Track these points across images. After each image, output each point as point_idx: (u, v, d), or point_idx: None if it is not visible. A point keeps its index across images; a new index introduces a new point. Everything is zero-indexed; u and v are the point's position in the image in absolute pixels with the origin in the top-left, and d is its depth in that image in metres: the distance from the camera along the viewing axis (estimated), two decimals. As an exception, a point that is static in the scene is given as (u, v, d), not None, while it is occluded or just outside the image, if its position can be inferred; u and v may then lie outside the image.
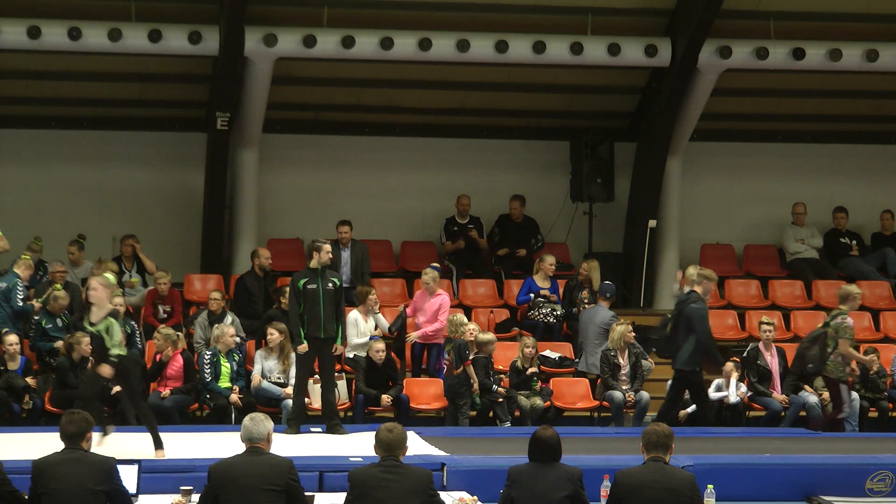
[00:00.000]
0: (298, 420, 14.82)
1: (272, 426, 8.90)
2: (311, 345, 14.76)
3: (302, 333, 14.74)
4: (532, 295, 18.40)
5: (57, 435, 8.96)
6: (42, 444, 9.49)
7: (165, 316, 17.65)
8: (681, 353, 15.61)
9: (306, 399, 15.34)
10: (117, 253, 18.80)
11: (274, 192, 19.86)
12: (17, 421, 15.62)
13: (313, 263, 14.87)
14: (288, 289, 15.45)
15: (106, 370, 12.80)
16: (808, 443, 15.04)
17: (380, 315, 17.41)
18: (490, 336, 16.71)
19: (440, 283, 17.58)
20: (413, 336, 17.09)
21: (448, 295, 17.56)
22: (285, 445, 12.17)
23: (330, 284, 14.82)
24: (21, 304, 16.63)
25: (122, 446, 13.27)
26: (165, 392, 16.06)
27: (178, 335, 16.58)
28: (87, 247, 18.49)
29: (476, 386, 16.26)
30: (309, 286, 14.75)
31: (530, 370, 16.78)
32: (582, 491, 8.91)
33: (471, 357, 16.31)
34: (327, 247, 14.91)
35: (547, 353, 17.67)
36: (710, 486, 10.84)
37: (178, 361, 16.27)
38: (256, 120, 19.09)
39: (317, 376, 15.36)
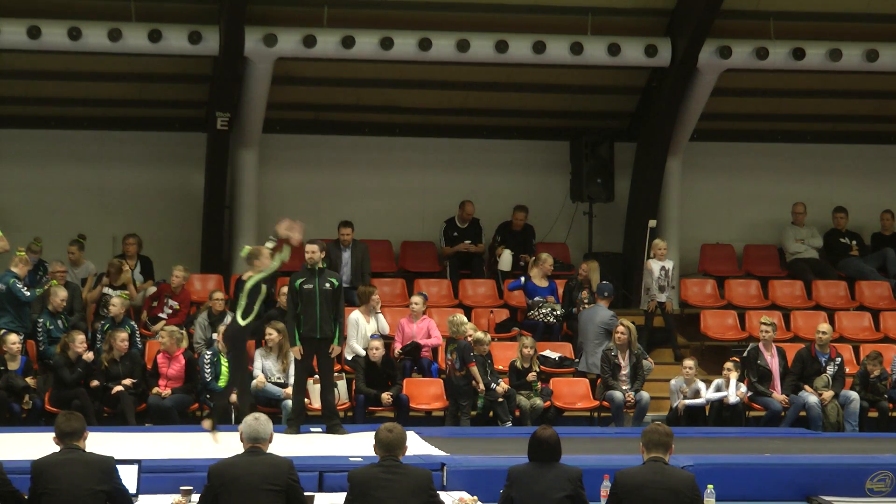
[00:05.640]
0: (298, 420, 14.81)
1: (272, 426, 8.90)
2: (307, 345, 14.73)
3: (297, 335, 14.74)
4: (522, 280, 18.41)
5: (57, 435, 8.96)
6: (42, 444, 9.46)
7: (171, 312, 17.62)
8: None
9: (306, 399, 15.33)
10: (118, 252, 18.78)
11: (274, 192, 19.85)
12: (17, 421, 15.60)
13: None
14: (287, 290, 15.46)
15: None
16: (808, 443, 15.05)
17: (381, 316, 17.40)
18: (482, 336, 16.67)
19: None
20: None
21: (430, 321, 17.63)
22: (285, 445, 12.16)
23: (328, 285, 14.79)
24: (27, 294, 16.57)
25: (122, 446, 13.30)
26: (166, 392, 16.04)
27: (182, 333, 16.56)
28: (87, 247, 18.49)
29: (482, 386, 16.26)
30: (305, 286, 14.73)
31: (530, 376, 16.73)
32: (582, 491, 8.90)
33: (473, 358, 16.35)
34: (311, 247, 14.86)
35: (547, 353, 17.66)
36: (710, 486, 10.84)
37: (181, 361, 16.25)
38: (256, 120, 19.09)
39: (316, 376, 15.35)
